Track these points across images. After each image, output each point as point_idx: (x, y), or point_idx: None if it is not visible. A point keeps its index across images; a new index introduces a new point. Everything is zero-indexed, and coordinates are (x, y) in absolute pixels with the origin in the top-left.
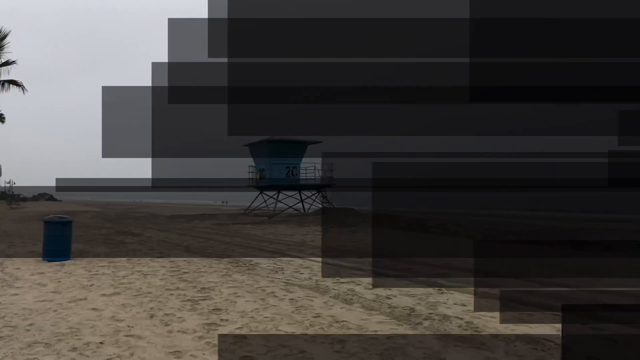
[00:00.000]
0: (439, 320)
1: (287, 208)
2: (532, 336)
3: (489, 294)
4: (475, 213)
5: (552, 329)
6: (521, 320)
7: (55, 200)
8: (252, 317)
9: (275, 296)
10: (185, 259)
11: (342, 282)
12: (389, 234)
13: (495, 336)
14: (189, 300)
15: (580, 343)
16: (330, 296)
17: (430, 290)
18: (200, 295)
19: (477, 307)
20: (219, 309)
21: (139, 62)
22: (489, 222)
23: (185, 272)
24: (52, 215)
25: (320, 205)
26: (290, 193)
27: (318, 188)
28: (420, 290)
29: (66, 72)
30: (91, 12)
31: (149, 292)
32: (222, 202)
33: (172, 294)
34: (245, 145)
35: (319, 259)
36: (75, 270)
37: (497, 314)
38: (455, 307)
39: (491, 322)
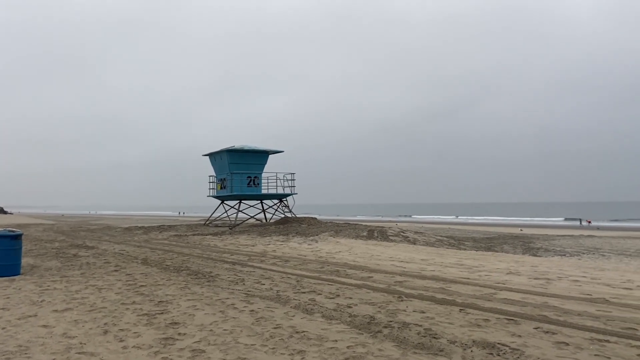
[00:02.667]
0: (399, 327)
1: (249, 218)
2: (488, 341)
3: (447, 300)
4: (431, 221)
5: (507, 333)
6: (478, 326)
7: (5, 212)
8: (211, 330)
9: (235, 308)
10: (142, 272)
11: (303, 292)
12: (350, 242)
13: (453, 342)
14: (145, 314)
15: (532, 346)
16: (291, 306)
17: (391, 298)
18: (157, 309)
19: (437, 314)
20: (176, 323)
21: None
22: (443, 229)
23: (142, 286)
24: (1, 228)
25: (282, 215)
26: (251, 203)
27: (280, 197)
28: (380, 299)
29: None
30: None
31: (104, 307)
32: (179, 212)
33: (127, 309)
34: (205, 155)
35: (281, 269)
36: (25, 285)
37: (455, 320)
38: (414, 314)
39: (449, 328)
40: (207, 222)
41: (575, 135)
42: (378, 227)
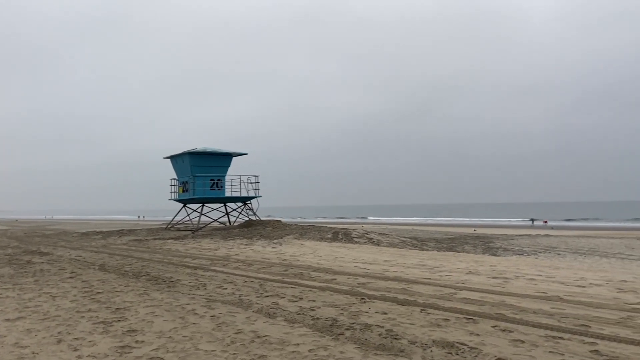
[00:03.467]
0: (361, 329)
1: (212, 221)
2: (448, 341)
3: (408, 301)
4: (395, 222)
5: (465, 332)
6: (438, 326)
7: None
8: (170, 337)
9: (196, 314)
10: (99, 278)
11: (267, 296)
12: (314, 245)
13: (413, 342)
14: (101, 322)
15: (490, 344)
16: (253, 311)
17: (354, 299)
18: (114, 316)
19: (399, 314)
20: (134, 330)
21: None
22: (407, 231)
23: (98, 292)
24: None
25: (246, 218)
26: (215, 206)
27: (244, 200)
28: (343, 300)
29: None
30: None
31: (58, 316)
32: (139, 216)
33: (83, 317)
34: (167, 157)
35: (244, 273)
36: None
37: (416, 320)
38: (376, 315)
39: (410, 329)
40: (169, 226)
41: (535, 137)
42: (343, 229)
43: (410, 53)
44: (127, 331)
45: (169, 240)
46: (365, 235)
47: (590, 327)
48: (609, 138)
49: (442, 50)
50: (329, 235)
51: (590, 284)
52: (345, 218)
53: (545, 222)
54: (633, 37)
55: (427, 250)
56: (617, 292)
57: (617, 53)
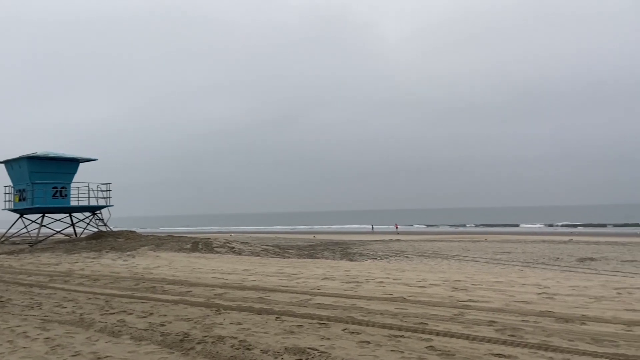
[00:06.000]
0: (213, 342)
1: (54, 233)
2: (299, 347)
3: (265, 309)
4: (259, 230)
5: (317, 337)
6: (291, 333)
7: None
8: None
9: (27, 336)
10: None
11: (112, 313)
12: (171, 256)
13: (266, 352)
14: None
15: (339, 348)
16: (95, 330)
17: (208, 312)
18: None
19: (254, 324)
20: None
21: None
22: (270, 239)
23: None
24: None
25: (95, 229)
26: (58, 216)
27: (93, 210)
28: (197, 313)
29: None
30: None
31: None
32: None
33: None
34: (0, 162)
35: (88, 289)
36: None
37: (270, 329)
38: (231, 326)
39: (264, 338)
40: (2, 240)
41: (399, 145)
42: (204, 238)
43: (278, 61)
44: None
45: (1, 256)
46: (227, 244)
47: (427, 324)
48: (469, 149)
49: (310, 58)
50: (188, 246)
51: (430, 284)
52: (209, 227)
53: (397, 226)
54: (483, 61)
55: (289, 257)
56: (452, 291)
57: (466, 74)
